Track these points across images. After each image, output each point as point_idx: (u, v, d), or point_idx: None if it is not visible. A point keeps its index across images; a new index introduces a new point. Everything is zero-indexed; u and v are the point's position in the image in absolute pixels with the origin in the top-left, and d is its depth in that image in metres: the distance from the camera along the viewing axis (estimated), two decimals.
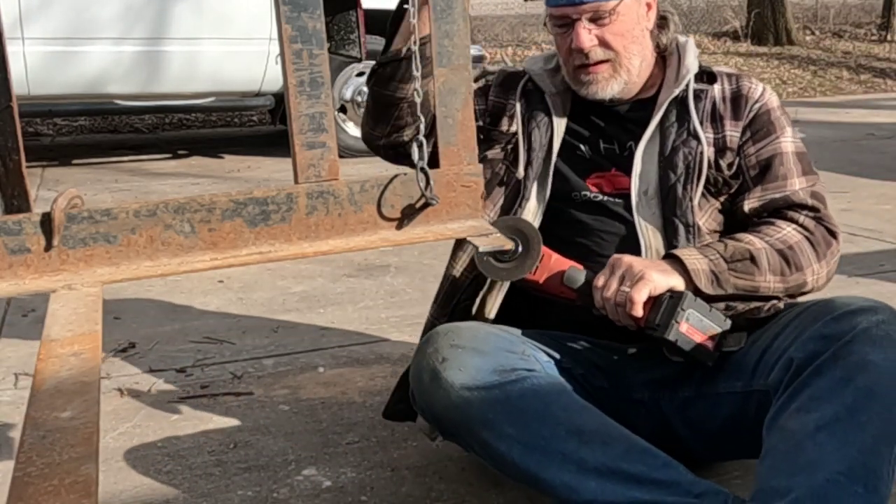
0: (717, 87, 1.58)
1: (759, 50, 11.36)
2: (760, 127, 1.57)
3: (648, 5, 1.58)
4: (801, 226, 1.51)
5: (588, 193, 1.56)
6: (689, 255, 1.42)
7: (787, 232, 1.49)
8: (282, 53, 1.00)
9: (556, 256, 1.45)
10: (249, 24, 5.02)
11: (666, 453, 1.34)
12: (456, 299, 1.59)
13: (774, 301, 1.48)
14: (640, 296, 1.35)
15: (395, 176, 1.07)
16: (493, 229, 1.12)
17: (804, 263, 1.47)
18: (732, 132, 1.56)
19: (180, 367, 2.15)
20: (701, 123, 1.55)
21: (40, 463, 0.64)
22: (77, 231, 0.96)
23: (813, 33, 12.54)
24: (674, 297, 1.36)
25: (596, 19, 1.52)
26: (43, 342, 0.82)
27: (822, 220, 1.53)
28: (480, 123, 1.57)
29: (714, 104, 1.57)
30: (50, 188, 4.50)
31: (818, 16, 13.44)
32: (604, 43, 1.54)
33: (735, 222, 1.55)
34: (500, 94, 1.65)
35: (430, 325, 1.61)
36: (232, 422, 1.85)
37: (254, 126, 7.22)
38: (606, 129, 1.60)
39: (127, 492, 1.58)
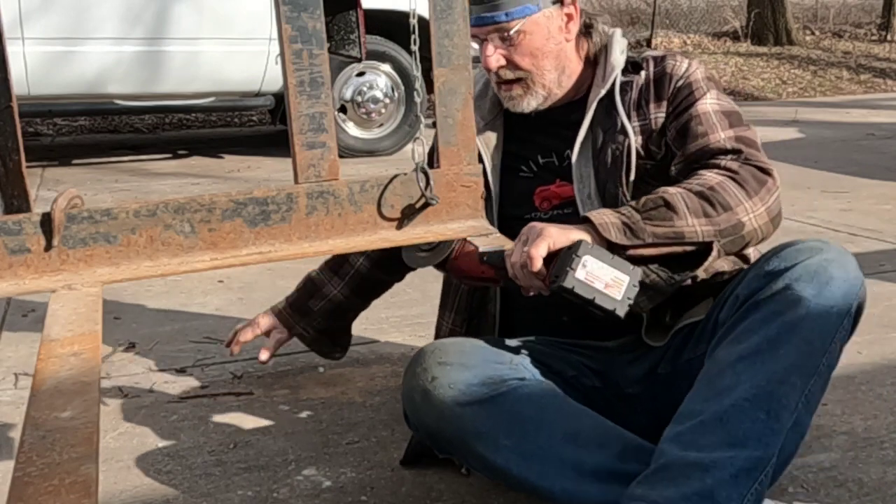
0: (643, 74, 1.56)
1: (759, 50, 11.36)
2: (682, 99, 1.54)
3: (569, 16, 1.55)
4: (724, 168, 1.46)
5: (537, 213, 1.57)
6: (598, 212, 1.39)
7: (707, 176, 1.44)
8: (282, 53, 1.00)
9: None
10: (249, 24, 5.02)
11: None
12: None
13: (739, 268, 1.49)
14: (538, 251, 1.30)
15: (395, 176, 1.07)
16: (493, 229, 1.12)
17: (731, 202, 1.41)
18: (657, 113, 1.54)
19: (180, 367, 2.15)
20: (628, 116, 1.53)
21: (40, 463, 0.64)
22: (77, 231, 0.96)
23: (813, 33, 12.54)
24: (572, 248, 1.30)
25: (504, 39, 1.50)
26: (43, 342, 0.82)
27: (749, 160, 1.47)
28: None
29: (640, 92, 1.55)
30: (50, 188, 4.49)
31: (818, 16, 13.44)
32: (512, 63, 1.52)
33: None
34: None
35: (451, 334, 1.64)
36: (232, 422, 1.85)
37: (254, 126, 7.22)
38: (543, 141, 1.60)
39: (127, 492, 1.58)
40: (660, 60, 1.57)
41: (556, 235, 1.31)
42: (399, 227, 1.08)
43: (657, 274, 1.38)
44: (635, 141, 1.52)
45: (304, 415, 1.88)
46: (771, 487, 1.54)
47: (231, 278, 2.86)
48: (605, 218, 1.36)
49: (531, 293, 1.37)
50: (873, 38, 12.68)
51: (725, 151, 1.48)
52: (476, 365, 1.37)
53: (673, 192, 1.41)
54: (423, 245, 1.30)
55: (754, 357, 1.25)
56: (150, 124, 6.99)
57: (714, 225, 1.40)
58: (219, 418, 1.87)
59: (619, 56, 1.57)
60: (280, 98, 5.22)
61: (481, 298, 1.63)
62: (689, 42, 11.63)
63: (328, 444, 1.74)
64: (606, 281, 1.29)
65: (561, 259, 1.30)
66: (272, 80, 5.15)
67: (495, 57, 1.50)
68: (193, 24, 4.98)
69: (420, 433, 1.43)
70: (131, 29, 4.87)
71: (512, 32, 1.48)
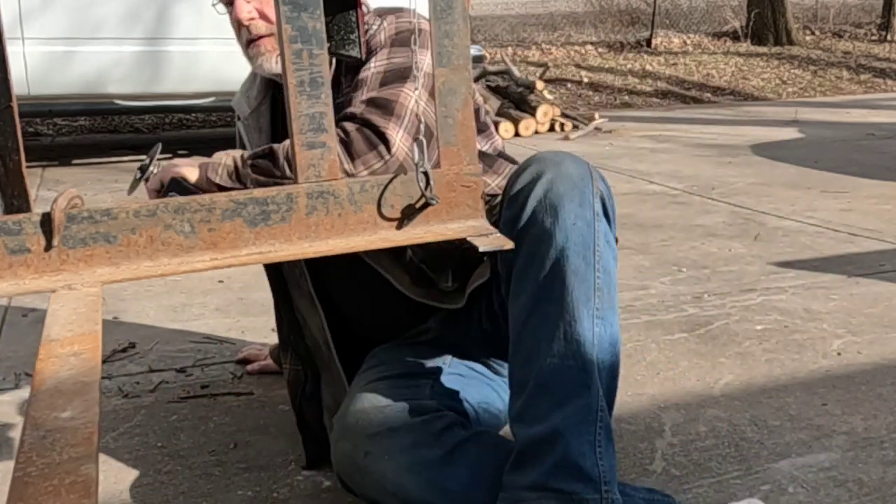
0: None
1: (759, 50, 11.36)
2: (360, 67, 1.48)
3: None
4: (342, 130, 1.41)
5: None
6: (224, 152, 1.44)
7: None
8: (282, 53, 1.00)
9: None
10: None
11: None
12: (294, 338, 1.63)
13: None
14: (153, 184, 1.42)
15: (395, 176, 1.07)
16: (493, 229, 1.12)
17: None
18: (348, 88, 1.50)
19: (180, 367, 2.15)
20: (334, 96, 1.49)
21: (40, 463, 0.64)
22: (77, 231, 0.96)
23: (813, 33, 12.54)
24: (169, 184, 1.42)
25: None
26: (43, 342, 0.82)
27: (367, 123, 1.41)
28: None
29: (346, 66, 1.51)
30: (50, 188, 4.50)
31: (818, 16, 13.44)
32: (263, 16, 1.50)
33: None
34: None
35: (295, 376, 1.66)
36: (232, 422, 1.85)
37: None
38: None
39: (127, 492, 1.58)
40: (367, 27, 1.50)
41: (170, 170, 1.41)
42: (399, 227, 1.08)
43: None
44: None
45: None
46: (770, 486, 1.54)
47: (231, 278, 2.86)
48: (221, 158, 1.42)
49: None
50: (873, 38, 12.68)
51: (351, 115, 1.43)
52: (401, 425, 1.35)
53: (282, 145, 1.42)
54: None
55: (537, 308, 1.25)
56: (150, 124, 6.99)
57: None
58: (219, 418, 1.87)
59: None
60: None
61: (297, 332, 1.66)
62: (689, 42, 11.63)
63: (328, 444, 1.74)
64: None
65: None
66: None
67: (247, 9, 1.49)
68: (193, 25, 4.98)
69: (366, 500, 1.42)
70: (131, 29, 4.87)
71: None
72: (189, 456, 1.71)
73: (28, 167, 0.98)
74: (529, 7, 14.68)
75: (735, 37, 11.88)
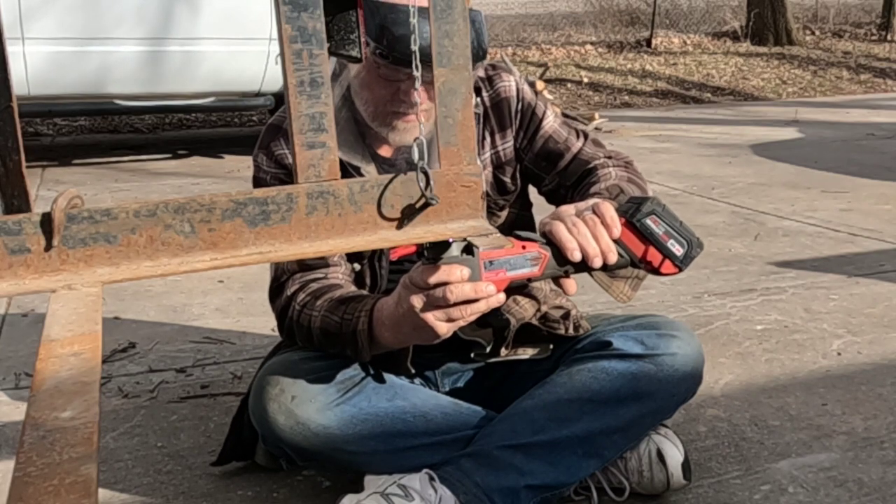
0: (479, 100, 1.54)
1: (759, 50, 11.36)
2: (527, 124, 1.57)
3: None
4: (616, 164, 1.54)
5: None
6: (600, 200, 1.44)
7: (613, 172, 1.51)
8: (282, 53, 1.00)
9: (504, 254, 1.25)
10: (249, 24, 5.02)
11: None
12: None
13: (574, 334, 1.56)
14: (611, 211, 1.27)
15: (395, 176, 1.07)
16: (492, 229, 1.12)
17: (645, 186, 1.53)
18: (505, 145, 1.56)
19: (180, 367, 2.15)
20: (477, 150, 1.53)
21: (40, 463, 0.64)
22: (77, 231, 0.96)
23: (813, 33, 12.54)
24: (640, 203, 1.31)
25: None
26: (43, 342, 0.82)
27: (619, 155, 1.58)
28: None
29: (483, 122, 1.54)
30: (50, 188, 4.50)
31: (818, 16, 13.44)
32: (431, 98, 1.51)
33: (553, 201, 1.59)
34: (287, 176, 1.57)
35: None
36: None
37: (254, 126, 7.22)
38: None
39: (127, 492, 1.58)
40: (488, 83, 1.55)
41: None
42: (399, 227, 1.08)
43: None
44: (483, 176, 1.46)
45: None
46: (770, 486, 1.54)
47: (231, 278, 2.86)
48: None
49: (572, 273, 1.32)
50: (873, 38, 12.68)
51: (600, 156, 1.55)
52: (326, 377, 1.44)
53: (624, 187, 1.46)
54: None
55: (600, 406, 1.44)
56: (150, 124, 6.99)
57: None
58: (219, 418, 1.87)
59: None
60: (280, 98, 5.22)
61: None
62: (689, 42, 11.63)
63: None
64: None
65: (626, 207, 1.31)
66: (272, 80, 5.15)
67: (425, 94, 1.45)
68: (193, 24, 4.98)
69: (284, 451, 1.45)
70: (131, 29, 4.87)
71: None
72: (189, 456, 1.71)
73: (28, 167, 0.97)
74: (529, 7, 14.68)
75: (735, 37, 11.88)
